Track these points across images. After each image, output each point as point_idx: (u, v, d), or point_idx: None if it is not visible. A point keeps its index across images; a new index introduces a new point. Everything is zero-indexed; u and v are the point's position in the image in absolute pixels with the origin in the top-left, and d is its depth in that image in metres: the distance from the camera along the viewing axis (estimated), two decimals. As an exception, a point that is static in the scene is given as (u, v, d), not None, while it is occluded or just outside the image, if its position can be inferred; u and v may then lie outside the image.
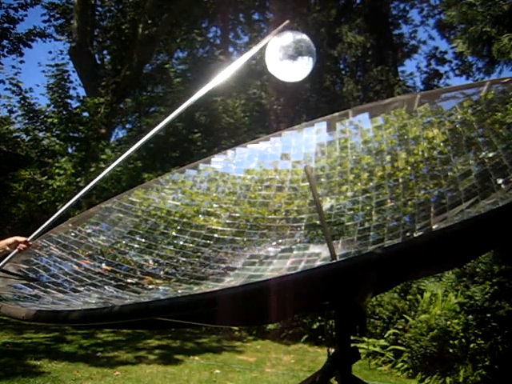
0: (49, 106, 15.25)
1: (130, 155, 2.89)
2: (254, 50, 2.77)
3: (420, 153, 3.25)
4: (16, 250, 2.86)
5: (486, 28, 6.32)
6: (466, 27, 6.64)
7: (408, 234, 2.73)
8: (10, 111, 16.11)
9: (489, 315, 5.90)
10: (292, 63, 2.75)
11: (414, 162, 3.25)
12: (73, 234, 3.30)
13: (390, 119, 3.61)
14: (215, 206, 3.60)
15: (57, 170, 13.45)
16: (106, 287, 2.75)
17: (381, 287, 2.96)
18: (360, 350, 2.65)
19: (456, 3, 6.98)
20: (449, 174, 2.92)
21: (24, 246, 2.90)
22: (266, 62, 2.79)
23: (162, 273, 3.04)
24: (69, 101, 15.31)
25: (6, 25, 17.50)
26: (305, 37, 2.79)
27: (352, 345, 2.48)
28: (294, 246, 3.17)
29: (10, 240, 2.92)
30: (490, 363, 5.86)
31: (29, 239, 2.92)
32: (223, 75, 2.77)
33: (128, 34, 16.54)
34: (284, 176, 3.69)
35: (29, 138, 15.48)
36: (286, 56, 2.74)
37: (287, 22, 2.79)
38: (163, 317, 2.00)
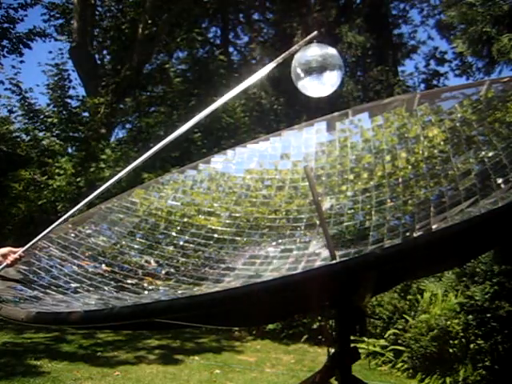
0: (48, 105, 15.27)
1: (140, 162, 2.85)
2: (280, 59, 2.67)
3: (420, 152, 3.25)
4: (5, 264, 2.74)
5: (486, 28, 6.32)
6: (466, 27, 6.64)
7: (408, 233, 2.72)
8: (10, 111, 16.12)
9: (489, 315, 5.89)
10: (318, 78, 2.64)
11: (414, 160, 3.25)
12: (73, 235, 3.30)
13: (390, 118, 3.61)
14: (215, 205, 3.60)
15: (57, 170, 13.46)
16: (105, 288, 2.75)
17: (381, 287, 2.96)
18: (360, 350, 2.65)
19: (456, 3, 6.98)
20: (449, 173, 2.92)
21: (15, 257, 2.77)
22: (292, 75, 2.68)
23: (162, 273, 3.04)
24: (69, 101, 15.35)
25: (6, 25, 17.50)
26: (332, 50, 2.66)
27: (352, 345, 2.48)
28: (293, 246, 3.17)
29: (4, 250, 2.79)
30: (490, 363, 5.86)
31: (22, 251, 2.80)
32: (244, 85, 2.71)
33: (128, 34, 16.54)
34: (284, 175, 3.68)
35: (29, 138, 15.48)
36: (311, 71, 2.64)
37: (315, 33, 2.64)
38: (163, 318, 1.99)
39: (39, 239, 2.81)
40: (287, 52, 2.66)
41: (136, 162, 2.78)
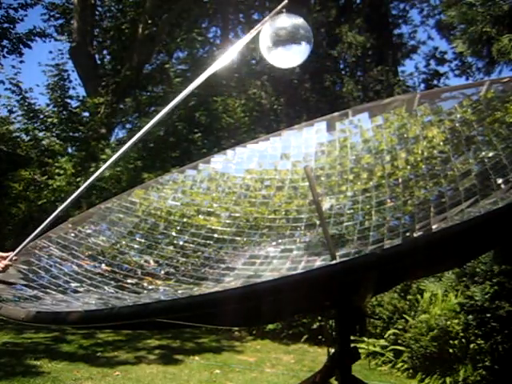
0: (48, 105, 15.27)
1: (120, 156, 2.82)
2: (251, 33, 2.63)
3: (420, 152, 3.25)
4: None
5: (486, 28, 6.32)
6: (466, 27, 6.64)
7: (408, 234, 2.72)
8: (10, 111, 16.11)
9: (489, 315, 5.90)
10: (286, 49, 2.66)
11: (413, 161, 3.25)
12: (72, 235, 3.30)
13: (390, 118, 3.61)
14: (215, 205, 3.60)
15: (57, 170, 13.47)
16: (105, 288, 2.75)
17: (381, 287, 2.96)
18: (360, 350, 2.65)
19: (456, 3, 6.98)
20: (449, 173, 2.92)
21: (5, 263, 2.67)
22: (260, 47, 2.68)
23: (162, 273, 3.04)
24: (69, 101, 15.35)
25: (6, 25, 17.50)
26: (301, 21, 2.67)
27: (352, 345, 2.48)
28: (293, 246, 3.17)
29: None
30: (490, 363, 5.86)
31: (13, 254, 2.70)
32: (220, 63, 2.68)
33: (128, 34, 16.54)
34: (284, 175, 3.68)
35: (29, 137, 15.48)
36: (280, 41, 2.65)
37: (285, 2, 2.61)
38: (163, 318, 1.99)
39: (29, 242, 2.73)
40: (259, 24, 2.65)
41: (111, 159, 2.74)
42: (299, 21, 2.68)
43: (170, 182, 3.86)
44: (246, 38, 2.66)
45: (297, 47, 2.66)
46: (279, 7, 2.64)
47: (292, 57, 2.70)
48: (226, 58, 2.69)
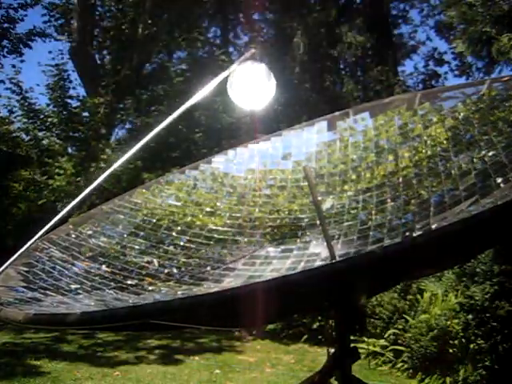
0: (48, 105, 15.26)
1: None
2: (219, 78, 2.66)
3: (422, 151, 3.25)
4: None
5: (485, 28, 6.33)
6: (465, 27, 6.66)
7: (408, 233, 2.72)
8: (10, 111, 16.09)
9: (489, 315, 5.89)
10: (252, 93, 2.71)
11: (415, 160, 3.25)
12: (73, 236, 3.29)
13: (391, 117, 3.61)
14: (217, 205, 3.60)
15: (57, 170, 13.47)
16: (106, 289, 2.75)
17: (381, 287, 2.96)
18: (360, 350, 2.65)
19: (456, 3, 6.99)
20: (450, 172, 2.92)
21: None
22: (228, 92, 2.74)
23: (162, 274, 3.04)
24: (69, 101, 15.33)
25: (6, 25, 17.50)
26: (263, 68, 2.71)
27: (352, 345, 2.48)
28: (293, 246, 3.17)
29: None
30: (490, 363, 5.85)
31: None
32: (194, 99, 2.65)
33: (128, 34, 16.54)
34: (285, 175, 3.68)
35: (29, 137, 15.47)
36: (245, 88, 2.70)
37: (253, 51, 2.64)
38: (160, 319, 1.99)
39: (12, 262, 2.63)
40: (226, 71, 2.63)
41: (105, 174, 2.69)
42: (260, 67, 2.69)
43: (172, 181, 3.86)
44: (216, 81, 2.64)
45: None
46: (248, 54, 2.62)
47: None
48: (199, 95, 2.67)
